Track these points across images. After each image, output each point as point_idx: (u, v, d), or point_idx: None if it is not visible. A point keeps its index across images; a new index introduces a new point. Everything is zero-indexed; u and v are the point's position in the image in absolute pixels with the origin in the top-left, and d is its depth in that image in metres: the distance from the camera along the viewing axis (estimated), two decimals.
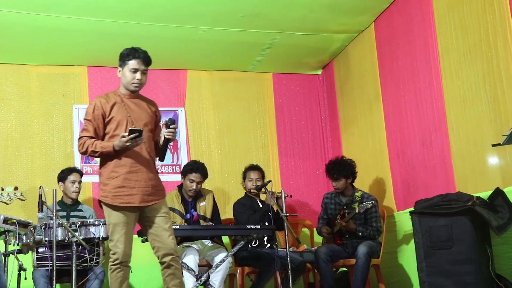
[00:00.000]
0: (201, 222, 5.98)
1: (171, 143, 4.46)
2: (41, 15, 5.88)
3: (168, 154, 6.85)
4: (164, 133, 4.35)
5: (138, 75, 4.40)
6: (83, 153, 4.38)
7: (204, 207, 6.06)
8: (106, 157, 4.34)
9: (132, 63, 4.39)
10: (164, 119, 4.48)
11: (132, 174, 4.31)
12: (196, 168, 6.04)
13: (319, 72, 8.08)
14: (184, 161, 7.04)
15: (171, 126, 4.33)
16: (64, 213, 5.96)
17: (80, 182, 6.10)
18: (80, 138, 4.40)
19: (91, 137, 4.34)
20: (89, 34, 6.37)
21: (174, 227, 4.51)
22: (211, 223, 6.00)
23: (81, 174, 6.18)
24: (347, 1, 6.09)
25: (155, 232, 4.37)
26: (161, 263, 4.40)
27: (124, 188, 4.28)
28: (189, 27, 6.35)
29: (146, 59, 4.43)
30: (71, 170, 6.11)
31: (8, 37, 6.34)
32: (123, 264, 4.28)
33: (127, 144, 4.18)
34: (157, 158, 4.52)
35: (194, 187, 5.99)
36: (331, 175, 6.09)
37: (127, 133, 4.17)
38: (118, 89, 4.51)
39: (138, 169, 4.33)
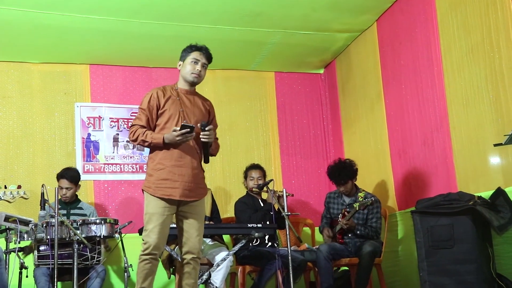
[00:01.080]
0: None
1: (211, 147, 4.45)
2: (43, 13, 5.88)
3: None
4: (200, 136, 4.34)
5: (198, 66, 4.46)
6: (133, 141, 4.41)
7: None
8: (154, 148, 4.38)
9: (194, 54, 4.47)
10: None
11: (177, 168, 4.33)
12: None
13: (321, 71, 8.07)
14: None
15: (206, 129, 4.32)
16: (64, 211, 5.96)
17: (68, 188, 6.03)
18: (132, 126, 4.43)
19: (143, 126, 4.38)
20: (91, 32, 6.37)
21: (173, 226, 4.50)
22: (211, 222, 5.99)
23: (69, 179, 6.06)
24: (349, 0, 6.09)
25: (185, 228, 4.39)
26: (182, 259, 4.42)
27: (167, 181, 4.30)
28: (191, 26, 6.35)
29: (208, 54, 4.52)
30: (61, 175, 6.07)
31: (10, 35, 6.35)
32: (153, 256, 4.25)
33: (178, 138, 4.21)
34: (203, 160, 4.51)
35: None
36: (338, 180, 6.06)
37: (179, 128, 4.20)
38: (176, 84, 4.57)
39: (184, 164, 4.35)
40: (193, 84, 4.54)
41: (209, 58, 4.52)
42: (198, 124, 4.36)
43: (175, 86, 4.56)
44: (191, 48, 4.50)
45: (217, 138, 4.62)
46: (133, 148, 7.12)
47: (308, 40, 6.96)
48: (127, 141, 7.08)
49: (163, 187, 4.30)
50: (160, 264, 4.80)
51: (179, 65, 4.54)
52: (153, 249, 4.24)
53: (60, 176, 6.07)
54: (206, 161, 4.49)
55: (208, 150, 4.41)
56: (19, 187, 4.94)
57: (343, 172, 6.03)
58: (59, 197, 5.93)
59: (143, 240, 4.29)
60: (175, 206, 4.36)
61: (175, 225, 4.51)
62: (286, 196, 5.38)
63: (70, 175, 6.09)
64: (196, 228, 4.40)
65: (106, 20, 6.11)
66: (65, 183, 6.05)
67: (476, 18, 5.05)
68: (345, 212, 5.96)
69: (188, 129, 4.19)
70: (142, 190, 4.42)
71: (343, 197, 6.16)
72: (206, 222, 5.94)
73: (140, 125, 4.38)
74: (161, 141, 4.28)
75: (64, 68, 7.18)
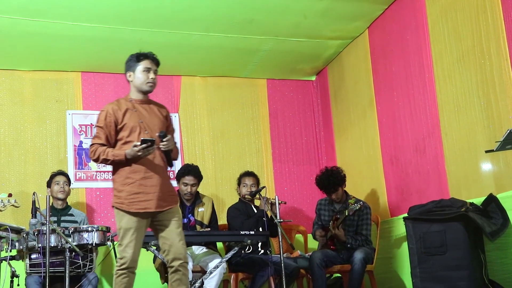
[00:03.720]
0: (198, 227, 5.97)
1: (172, 152, 4.44)
2: (34, 21, 5.88)
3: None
4: (160, 146, 4.30)
5: (151, 74, 4.42)
6: (95, 160, 4.37)
7: (202, 212, 6.05)
8: (119, 164, 4.33)
9: (145, 63, 4.41)
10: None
11: (147, 180, 4.29)
12: (188, 171, 6.04)
13: (313, 78, 8.09)
14: (178, 167, 7.02)
15: (164, 140, 4.27)
16: (55, 218, 5.95)
17: (65, 183, 6.12)
18: (91, 145, 4.38)
19: (103, 145, 4.33)
20: (82, 39, 6.36)
21: None
22: (207, 229, 5.98)
23: (66, 176, 6.20)
24: (341, 8, 6.10)
25: (166, 235, 4.35)
26: (169, 267, 4.38)
27: (140, 194, 4.26)
28: (182, 33, 6.36)
29: (156, 60, 4.49)
30: (55, 174, 6.17)
31: (1, 42, 6.33)
32: (130, 270, 4.24)
33: (139, 153, 4.18)
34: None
35: (189, 190, 5.99)
36: (328, 189, 6.05)
37: (139, 143, 4.17)
38: (129, 95, 4.48)
39: (152, 175, 4.31)
40: (148, 92, 4.48)
41: (158, 63, 4.50)
42: (157, 134, 4.32)
43: (128, 97, 4.47)
44: (139, 57, 4.43)
45: (175, 142, 4.58)
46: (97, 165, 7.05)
47: (300, 47, 6.98)
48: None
49: (137, 201, 4.25)
50: (154, 271, 4.80)
51: (129, 75, 4.45)
52: (130, 264, 4.22)
53: (54, 174, 6.14)
54: (171, 166, 4.51)
55: (169, 156, 4.39)
56: (9, 195, 4.92)
57: (331, 180, 6.02)
58: (57, 193, 6.04)
59: (119, 255, 4.26)
60: (149, 218, 4.34)
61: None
62: (279, 203, 5.37)
63: (65, 173, 6.23)
64: (177, 233, 4.36)
65: (97, 27, 6.11)
66: (62, 178, 6.11)
67: (466, 25, 5.08)
68: (336, 218, 5.95)
69: (149, 143, 4.16)
70: (113, 207, 4.37)
71: (333, 204, 6.16)
72: (202, 229, 5.94)
73: (100, 143, 4.33)
74: (123, 158, 4.24)
75: (55, 76, 7.17)
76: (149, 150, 4.19)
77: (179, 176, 6.06)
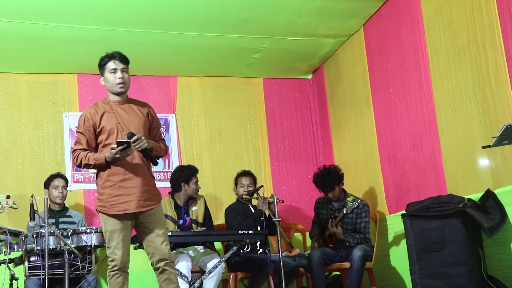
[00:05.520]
0: (194, 226, 5.98)
1: (151, 150, 4.40)
2: (29, 23, 5.87)
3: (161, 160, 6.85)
4: (133, 147, 4.27)
5: (118, 74, 4.39)
6: (78, 166, 4.41)
7: (196, 211, 6.07)
8: (101, 167, 4.35)
9: (110, 65, 4.41)
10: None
11: (126, 182, 4.31)
12: (194, 170, 6.10)
13: (309, 76, 8.09)
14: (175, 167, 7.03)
15: (131, 140, 4.21)
16: (53, 220, 5.94)
17: (64, 187, 6.10)
18: (73, 151, 4.42)
19: (84, 149, 4.36)
20: (78, 41, 6.35)
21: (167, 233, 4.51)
22: (203, 228, 5.98)
23: (65, 179, 6.18)
24: (336, 5, 6.10)
25: (149, 238, 4.38)
26: (156, 269, 4.40)
27: (119, 196, 4.28)
28: (177, 33, 6.35)
29: (121, 57, 4.44)
30: (54, 176, 6.13)
31: None
32: (121, 270, 4.29)
33: (117, 155, 4.20)
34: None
35: (199, 187, 6.11)
36: (325, 188, 6.06)
37: (116, 145, 4.18)
38: (108, 98, 4.49)
39: (132, 176, 4.32)
40: (121, 94, 4.47)
41: (124, 60, 4.45)
42: (124, 133, 4.30)
43: (106, 100, 4.48)
44: (103, 59, 4.44)
45: (163, 139, 4.62)
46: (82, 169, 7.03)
47: (295, 46, 6.98)
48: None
49: (117, 203, 4.28)
50: (151, 270, 4.76)
51: (102, 80, 4.47)
52: (121, 264, 4.27)
53: (53, 177, 6.10)
54: (155, 164, 4.48)
55: (150, 155, 4.37)
56: (8, 197, 4.92)
57: (328, 178, 6.03)
58: (55, 198, 6.02)
59: (109, 257, 4.30)
60: (132, 219, 4.35)
61: (169, 233, 4.51)
62: (277, 202, 5.38)
63: (64, 176, 6.20)
64: (160, 234, 4.38)
65: (92, 29, 6.10)
66: (61, 181, 6.09)
67: (461, 20, 5.08)
68: (334, 217, 5.96)
69: (125, 145, 4.16)
70: (97, 210, 4.39)
71: (332, 203, 6.17)
72: (199, 229, 5.95)
73: (81, 148, 4.37)
74: (104, 161, 4.26)
75: (51, 78, 7.16)
76: (126, 151, 4.21)
77: (190, 177, 6.08)
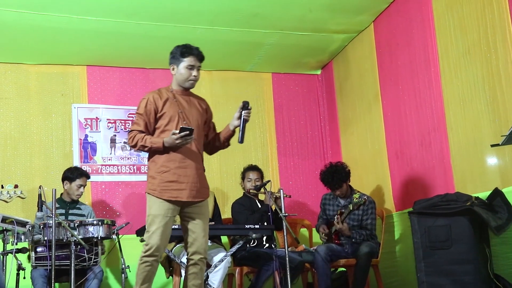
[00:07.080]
0: None
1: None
2: (40, 14, 5.88)
3: None
4: (243, 114, 4.49)
5: (194, 72, 4.46)
6: (133, 147, 4.40)
7: None
8: (155, 152, 4.36)
9: (189, 60, 4.44)
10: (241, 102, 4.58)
11: (182, 170, 4.33)
12: None
13: (318, 72, 8.08)
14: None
15: (249, 108, 4.46)
16: (63, 211, 5.96)
17: (85, 186, 6.13)
18: (130, 131, 4.42)
19: (141, 131, 4.37)
20: (88, 33, 6.36)
21: (173, 226, 4.51)
22: (212, 223, 5.99)
23: (88, 177, 6.21)
24: (346, 1, 6.09)
25: (192, 228, 4.38)
26: (189, 259, 4.41)
27: (173, 183, 4.29)
28: (187, 27, 6.35)
29: (200, 56, 4.50)
30: (81, 174, 6.10)
31: (6, 36, 6.34)
32: (154, 257, 4.24)
33: (177, 141, 4.21)
34: (238, 141, 4.64)
35: None
36: (332, 185, 6.04)
37: (178, 131, 4.20)
38: (170, 86, 4.55)
39: (188, 165, 4.35)
40: (189, 89, 4.56)
41: (202, 58, 4.51)
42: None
43: (170, 87, 4.54)
44: (184, 53, 4.44)
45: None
46: (130, 150, 7.10)
47: (305, 41, 6.97)
48: (124, 143, 7.07)
49: (170, 189, 4.29)
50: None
51: (172, 69, 4.51)
52: (155, 251, 4.23)
53: (80, 175, 6.08)
54: (241, 141, 4.63)
55: (245, 128, 4.57)
56: (16, 186, 4.94)
57: (335, 176, 6.01)
58: (75, 195, 6.05)
59: (144, 241, 4.28)
60: (179, 208, 4.36)
61: (175, 226, 4.51)
62: (284, 197, 5.37)
63: (87, 174, 6.22)
64: (203, 228, 4.40)
65: (102, 21, 6.10)
66: (85, 181, 6.12)
67: (472, 18, 5.06)
68: (340, 213, 5.95)
69: (188, 132, 4.19)
70: (146, 193, 4.39)
71: (338, 199, 6.16)
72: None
73: (139, 130, 4.37)
74: (161, 145, 4.27)
75: (61, 70, 7.17)
76: (187, 139, 4.23)
77: None
